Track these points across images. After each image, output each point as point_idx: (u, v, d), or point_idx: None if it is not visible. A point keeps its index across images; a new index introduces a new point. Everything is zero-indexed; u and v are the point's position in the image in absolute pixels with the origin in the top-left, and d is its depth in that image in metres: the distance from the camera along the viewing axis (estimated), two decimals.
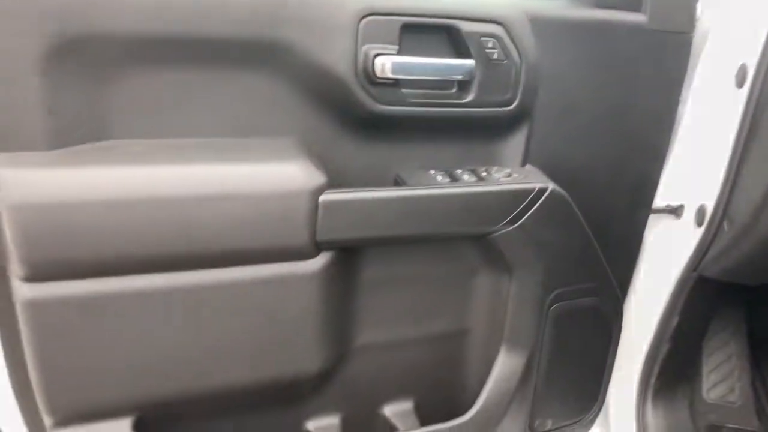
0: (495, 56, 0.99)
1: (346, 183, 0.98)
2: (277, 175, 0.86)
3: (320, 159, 0.93)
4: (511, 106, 1.04)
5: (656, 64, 1.11)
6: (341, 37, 0.90)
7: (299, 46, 0.89)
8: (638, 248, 1.27)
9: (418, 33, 0.95)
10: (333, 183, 0.90)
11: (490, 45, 0.99)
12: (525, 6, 1.03)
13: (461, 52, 0.98)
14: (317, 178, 0.88)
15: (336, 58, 0.91)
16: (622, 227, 1.23)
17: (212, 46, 0.85)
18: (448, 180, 1.01)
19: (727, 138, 1.08)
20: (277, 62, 0.90)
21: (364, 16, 0.91)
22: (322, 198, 0.87)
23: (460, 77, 0.98)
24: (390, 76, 0.92)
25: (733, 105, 1.07)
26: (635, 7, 1.10)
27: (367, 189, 0.92)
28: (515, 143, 1.10)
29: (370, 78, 0.93)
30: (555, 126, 1.10)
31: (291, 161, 0.88)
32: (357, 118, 0.97)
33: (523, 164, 1.11)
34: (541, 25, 1.02)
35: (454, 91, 1.00)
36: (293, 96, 0.93)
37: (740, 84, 1.06)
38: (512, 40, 1.00)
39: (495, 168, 1.06)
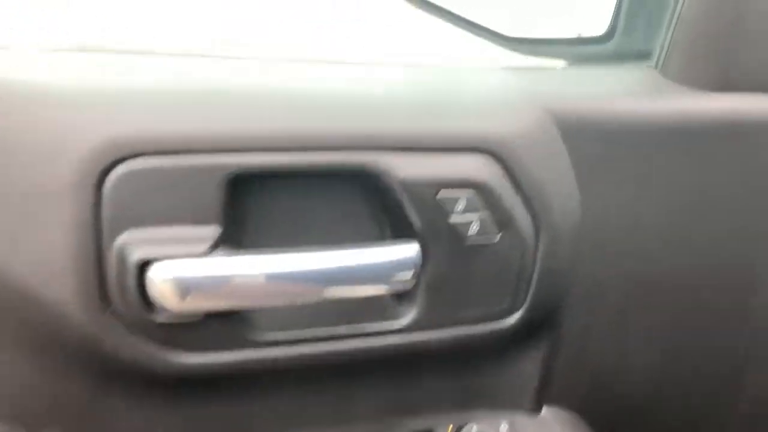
0: (475, 230, 0.61)
1: None
2: None
3: None
4: (512, 319, 0.66)
5: None
6: None
7: None
8: None
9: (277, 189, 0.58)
10: None
11: (459, 208, 0.60)
12: (547, 101, 0.65)
13: (396, 228, 0.60)
14: None
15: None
16: None
17: None
18: None
19: None
20: None
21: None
22: None
23: (385, 287, 0.59)
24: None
25: None
26: None
27: None
28: (520, 371, 0.72)
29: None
30: (603, 337, 0.74)
31: None
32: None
33: (538, 405, 0.73)
34: (587, 140, 0.66)
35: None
36: None
37: None
38: (516, 189, 0.62)
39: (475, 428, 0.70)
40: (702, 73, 0.69)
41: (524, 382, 0.72)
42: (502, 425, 0.69)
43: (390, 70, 0.70)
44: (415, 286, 0.60)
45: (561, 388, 0.73)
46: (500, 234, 0.62)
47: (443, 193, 0.59)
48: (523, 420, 0.72)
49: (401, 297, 0.61)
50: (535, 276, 0.65)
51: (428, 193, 0.59)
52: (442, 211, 0.59)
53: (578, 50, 0.81)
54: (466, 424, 0.69)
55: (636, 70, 0.73)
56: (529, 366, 0.72)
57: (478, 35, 0.84)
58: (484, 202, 0.61)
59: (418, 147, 0.59)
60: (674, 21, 0.70)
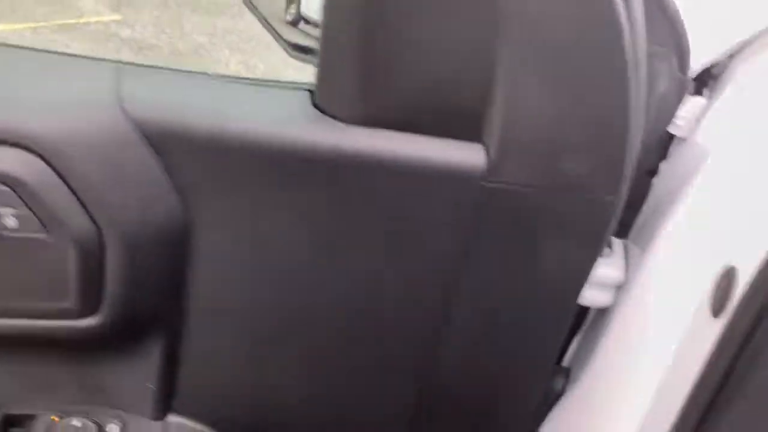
0: (12, 225, 0.59)
1: None
2: None
3: None
4: (90, 321, 0.67)
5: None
6: None
7: None
8: None
9: None
10: None
11: None
12: (138, 108, 0.64)
13: None
14: None
15: None
16: None
17: None
18: None
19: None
20: None
21: None
22: None
23: None
24: None
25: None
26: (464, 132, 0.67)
27: None
28: (137, 377, 0.73)
29: None
30: (237, 357, 0.75)
31: None
32: None
33: (161, 413, 0.74)
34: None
35: None
36: None
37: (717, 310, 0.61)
38: (68, 188, 0.61)
39: None
40: (340, 105, 0.66)
41: (145, 389, 0.74)
42: (111, 424, 0.69)
43: None
44: None
45: (190, 399, 0.75)
46: (48, 232, 0.61)
47: None
48: (140, 423, 0.73)
49: None
50: (109, 280, 0.65)
51: None
52: None
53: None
54: (77, 415, 0.71)
55: (298, 94, 0.70)
56: (147, 373, 0.73)
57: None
58: (21, 198, 0.59)
59: None
60: (321, 50, 0.66)
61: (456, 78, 0.65)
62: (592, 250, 0.71)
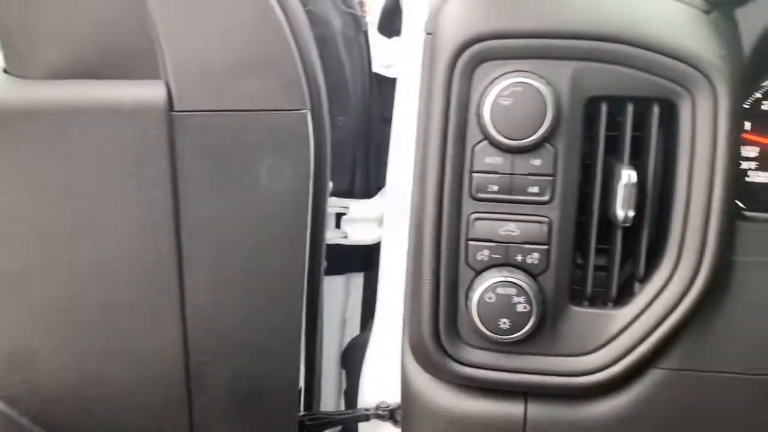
0: None
1: None
2: None
3: None
4: None
5: None
6: None
7: None
8: None
9: None
10: None
11: None
12: None
13: None
14: None
15: None
16: None
17: None
18: None
19: None
20: None
21: None
22: None
23: None
24: None
25: None
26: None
27: None
28: None
29: None
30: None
31: None
32: None
33: None
34: None
35: None
36: None
37: None
38: None
39: None
40: (21, 64, 0.75)
41: None
42: None
43: None
44: None
45: None
46: None
47: None
48: None
49: None
50: None
51: None
52: None
53: None
54: None
55: None
56: None
57: None
58: None
59: None
60: None
61: (116, 25, 0.72)
62: (302, 165, 0.75)
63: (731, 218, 0.55)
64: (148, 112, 0.71)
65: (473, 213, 0.55)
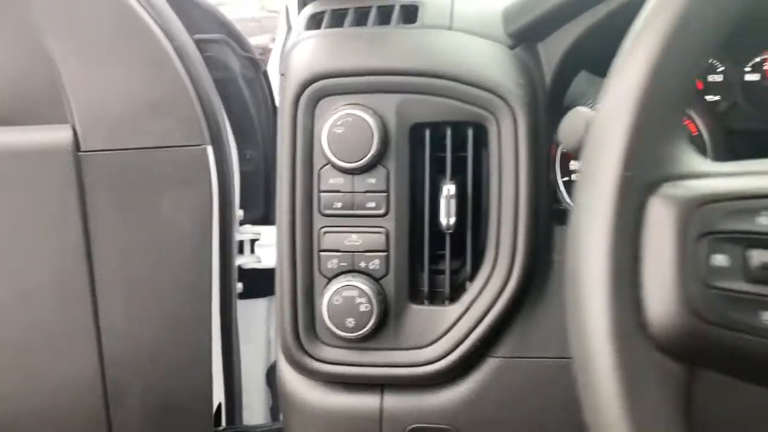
0: None
1: None
2: None
3: None
4: None
5: None
6: None
7: None
8: None
9: None
10: None
11: None
12: None
13: None
14: None
15: None
16: None
17: None
18: None
19: None
20: None
21: None
22: None
23: None
24: None
25: None
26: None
27: None
28: None
29: None
30: None
31: None
32: None
33: None
34: None
35: None
36: None
37: None
38: None
39: None
40: None
41: None
42: None
43: None
44: None
45: None
46: None
47: None
48: None
49: None
50: None
51: None
52: None
53: None
54: None
55: None
56: None
57: None
58: None
59: None
60: None
61: (21, 74, 0.81)
62: (204, 196, 0.84)
63: (550, 223, 0.64)
64: (56, 153, 0.79)
65: (322, 227, 0.63)
